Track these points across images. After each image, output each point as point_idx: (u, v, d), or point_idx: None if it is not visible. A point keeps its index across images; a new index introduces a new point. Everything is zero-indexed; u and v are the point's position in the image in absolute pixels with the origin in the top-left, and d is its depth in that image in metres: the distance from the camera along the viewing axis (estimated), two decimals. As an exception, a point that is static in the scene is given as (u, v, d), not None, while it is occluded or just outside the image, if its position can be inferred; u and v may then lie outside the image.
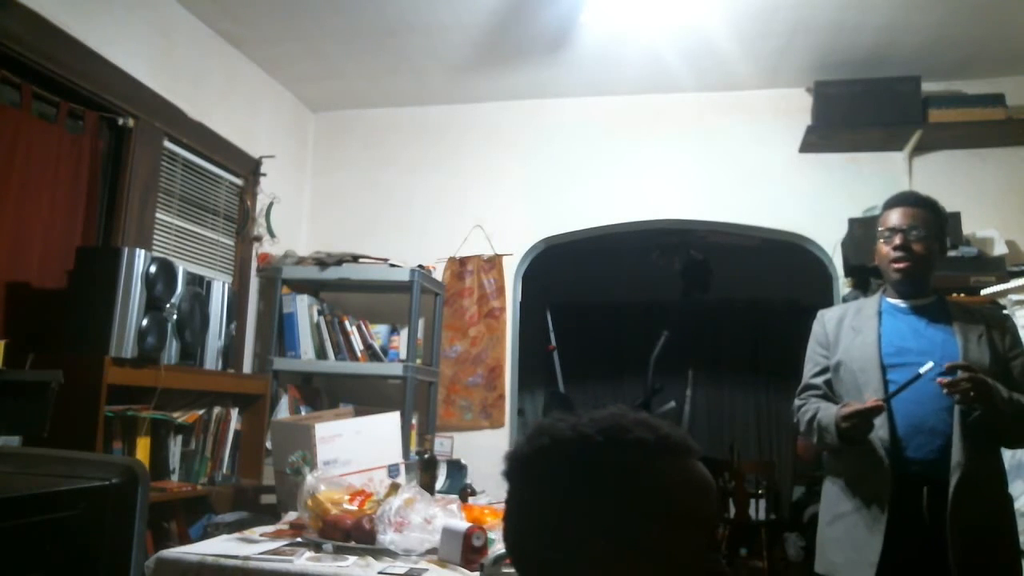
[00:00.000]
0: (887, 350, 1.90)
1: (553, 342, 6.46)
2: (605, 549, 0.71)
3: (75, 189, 2.55)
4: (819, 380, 2.04)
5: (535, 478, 0.78)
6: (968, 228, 3.17)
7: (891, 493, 1.78)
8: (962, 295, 2.86)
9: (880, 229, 1.98)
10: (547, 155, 3.84)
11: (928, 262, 1.95)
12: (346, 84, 3.79)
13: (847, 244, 3.30)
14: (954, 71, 3.38)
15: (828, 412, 1.89)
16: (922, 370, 1.74)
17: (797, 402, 2.06)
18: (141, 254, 2.36)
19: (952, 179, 3.40)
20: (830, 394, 2.01)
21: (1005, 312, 2.01)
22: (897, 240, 1.92)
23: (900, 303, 1.98)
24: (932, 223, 1.95)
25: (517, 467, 0.80)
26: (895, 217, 1.95)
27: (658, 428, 0.77)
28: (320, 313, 3.47)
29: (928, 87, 3.37)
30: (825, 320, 2.10)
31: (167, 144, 2.99)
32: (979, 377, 1.71)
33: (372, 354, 3.43)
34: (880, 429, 1.81)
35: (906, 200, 1.99)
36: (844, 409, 1.82)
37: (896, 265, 1.93)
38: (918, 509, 1.78)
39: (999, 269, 2.96)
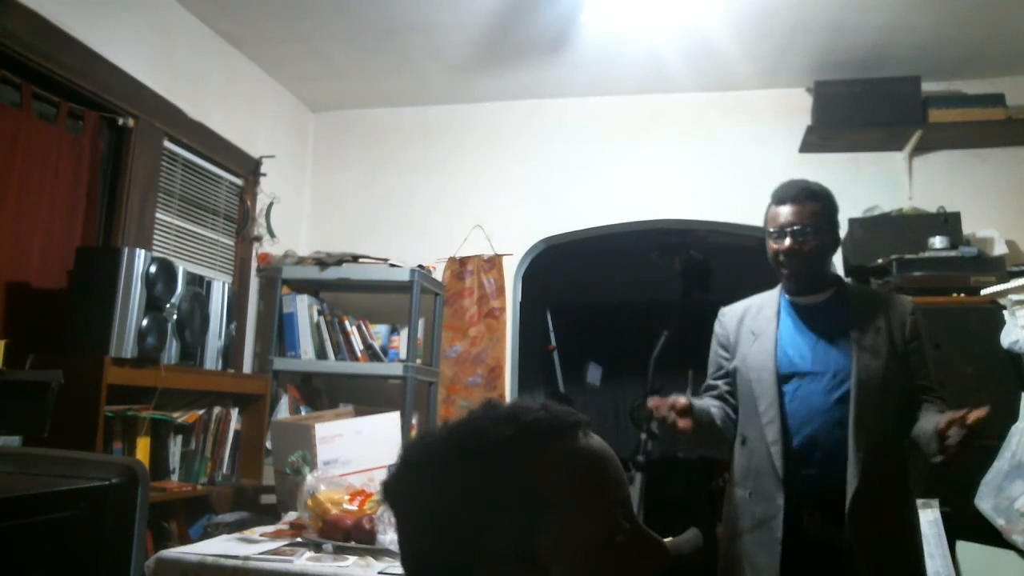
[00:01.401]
0: (783, 360, 1.85)
1: (553, 342, 6.46)
2: (478, 551, 0.69)
3: (75, 189, 2.55)
4: (719, 381, 2.01)
5: (411, 500, 0.76)
6: (968, 228, 3.17)
7: (785, 513, 1.73)
8: (962, 295, 2.86)
9: (769, 229, 1.90)
10: (547, 155, 3.84)
11: (820, 258, 1.89)
12: (346, 84, 3.79)
13: (847, 244, 3.30)
14: (954, 71, 3.38)
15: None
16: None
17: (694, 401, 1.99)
18: (141, 254, 2.36)
19: (952, 179, 3.40)
20: (728, 395, 1.98)
21: (909, 299, 1.93)
22: (787, 242, 1.85)
23: (797, 300, 1.93)
24: (822, 215, 1.87)
25: (389, 491, 0.79)
26: (783, 214, 1.86)
27: (520, 418, 0.73)
28: (320, 313, 3.47)
29: (928, 87, 3.37)
30: (725, 320, 2.05)
31: (167, 144, 2.99)
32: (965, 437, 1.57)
33: (372, 354, 3.43)
34: (773, 445, 1.77)
35: (794, 195, 1.88)
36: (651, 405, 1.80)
37: (785, 269, 1.88)
38: (815, 529, 1.72)
39: (999, 269, 2.96)
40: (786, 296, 1.95)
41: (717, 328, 2.06)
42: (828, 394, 1.78)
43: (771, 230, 1.90)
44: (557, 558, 0.69)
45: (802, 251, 1.84)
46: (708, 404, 1.95)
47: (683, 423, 1.76)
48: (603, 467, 0.74)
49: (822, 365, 1.80)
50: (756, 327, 1.94)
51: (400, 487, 0.78)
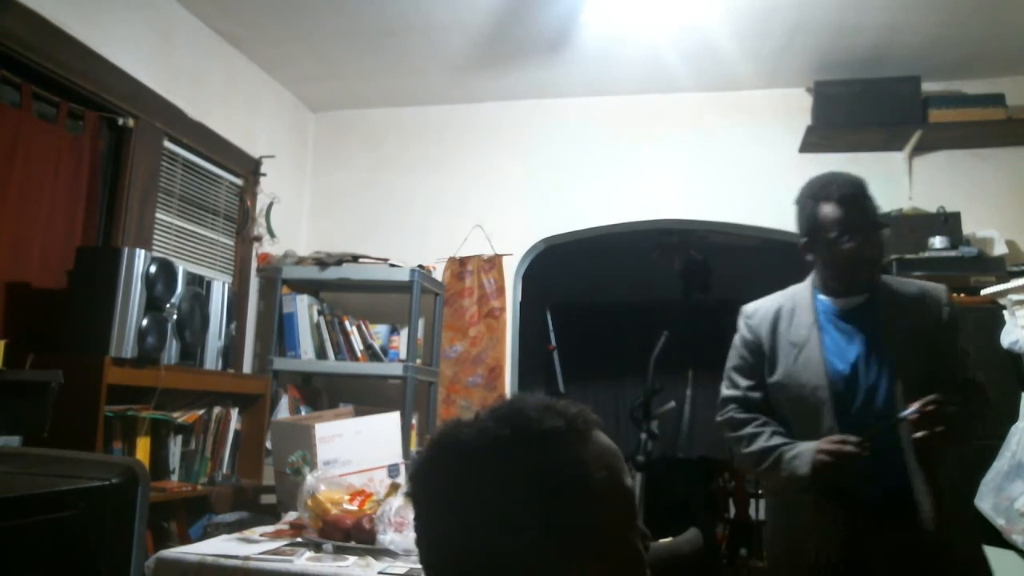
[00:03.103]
0: (833, 370, 1.73)
1: (553, 342, 6.46)
2: (533, 540, 0.70)
3: (75, 189, 2.55)
4: (756, 395, 1.83)
5: (455, 488, 0.75)
6: (968, 228, 3.17)
7: (847, 523, 1.65)
8: (962, 295, 2.86)
9: (823, 224, 1.75)
10: (547, 155, 3.84)
11: (877, 262, 1.79)
12: (346, 84, 3.79)
13: (847, 244, 3.30)
14: (954, 71, 3.38)
15: (802, 447, 1.68)
16: (905, 413, 1.60)
17: (732, 412, 1.85)
18: (141, 254, 2.36)
19: (952, 179, 3.40)
20: (764, 407, 1.83)
21: (943, 287, 1.82)
22: (859, 244, 1.70)
23: (833, 304, 1.79)
24: (873, 209, 1.77)
25: (424, 482, 0.78)
26: (849, 214, 1.73)
27: (565, 411, 0.76)
28: (320, 313, 3.47)
29: (928, 87, 3.37)
30: (754, 324, 1.87)
31: (167, 144, 2.99)
32: (939, 411, 1.55)
33: (372, 354, 3.43)
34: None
35: (854, 194, 1.76)
36: (827, 446, 1.62)
37: (854, 272, 1.74)
38: (873, 551, 1.64)
39: (999, 269, 2.96)
40: (820, 298, 1.81)
41: (744, 332, 1.88)
42: (875, 401, 1.70)
43: (828, 228, 1.74)
44: (605, 542, 0.73)
45: (876, 252, 1.75)
46: (771, 433, 1.79)
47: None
48: (621, 459, 0.78)
49: (867, 372, 1.71)
50: (795, 337, 1.78)
51: (437, 475, 0.77)
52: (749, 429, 1.80)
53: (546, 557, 0.70)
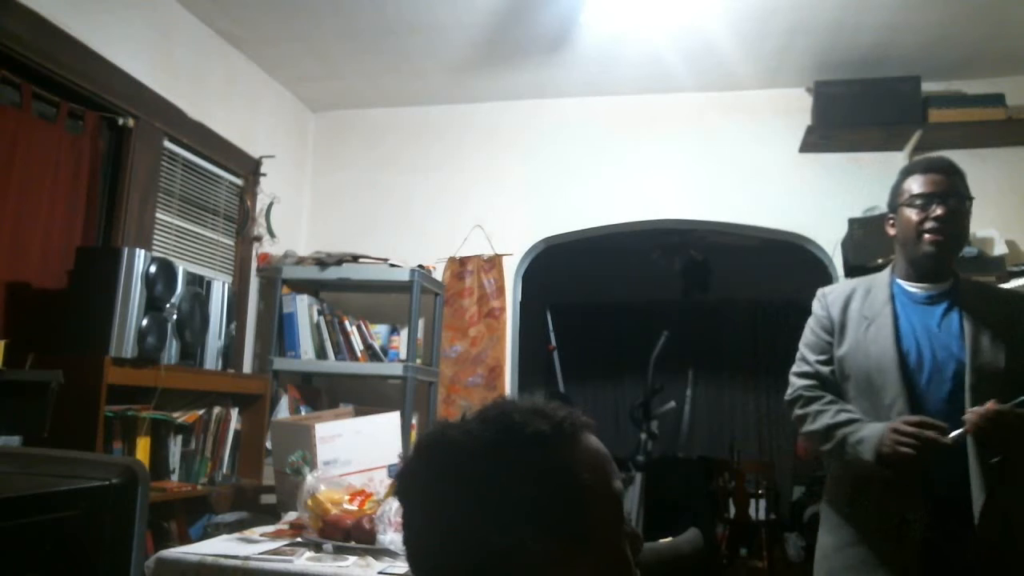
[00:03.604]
0: (907, 348, 1.69)
1: (553, 342, 6.46)
2: (518, 542, 0.70)
3: (75, 189, 2.55)
4: (826, 370, 1.80)
5: (440, 489, 0.75)
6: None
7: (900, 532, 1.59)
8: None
9: (909, 195, 1.74)
10: (547, 155, 3.84)
11: (964, 237, 1.75)
12: (346, 84, 3.79)
13: (847, 244, 3.30)
14: (954, 71, 3.38)
15: (867, 431, 1.64)
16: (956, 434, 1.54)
17: (802, 390, 1.81)
18: (141, 254, 2.36)
19: (952, 179, 3.40)
20: (830, 381, 1.80)
21: None
22: (940, 210, 1.68)
23: (915, 289, 1.76)
24: (967, 191, 1.74)
25: (411, 483, 0.78)
26: (933, 182, 1.71)
27: (552, 414, 0.76)
28: (320, 313, 3.47)
29: (928, 87, 3.36)
30: (829, 301, 1.85)
31: (167, 144, 2.99)
32: (994, 423, 1.50)
33: (372, 354, 3.43)
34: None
35: (943, 167, 1.74)
36: (901, 427, 1.56)
37: (932, 237, 1.69)
38: (938, 530, 1.60)
39: (999, 269, 2.96)
40: (899, 283, 1.79)
41: (817, 309, 1.86)
42: (943, 389, 1.65)
43: (915, 197, 1.73)
44: (592, 545, 0.73)
45: (955, 220, 1.69)
46: (838, 410, 1.75)
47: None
48: (610, 462, 0.79)
49: (937, 358, 1.66)
50: (868, 311, 1.75)
51: (422, 479, 0.77)
52: (816, 406, 1.76)
53: (531, 557, 0.70)
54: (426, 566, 0.76)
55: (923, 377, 1.67)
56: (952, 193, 1.71)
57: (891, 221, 1.84)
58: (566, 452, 0.75)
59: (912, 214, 1.73)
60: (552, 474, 0.73)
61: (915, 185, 1.75)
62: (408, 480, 0.79)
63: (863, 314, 1.77)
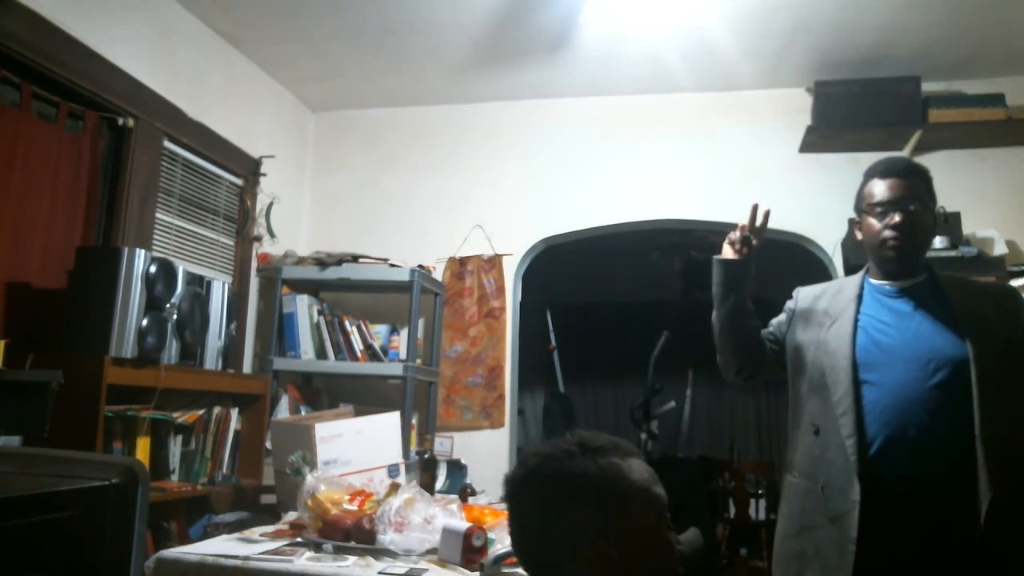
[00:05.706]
0: (863, 346, 1.69)
1: (553, 342, 6.46)
2: (596, 535, 1.00)
3: (75, 189, 2.55)
4: (767, 331, 1.95)
5: (533, 491, 1.06)
6: (968, 228, 3.17)
7: (862, 510, 1.56)
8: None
9: (868, 204, 1.76)
10: (547, 155, 3.84)
11: (928, 238, 1.77)
12: (346, 84, 3.79)
13: (847, 244, 3.30)
14: (954, 71, 3.38)
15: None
16: None
17: None
18: (141, 254, 2.36)
19: (952, 179, 3.39)
20: (771, 343, 1.92)
21: (1011, 285, 1.82)
22: (897, 218, 1.70)
23: (886, 284, 1.77)
24: (925, 193, 1.75)
25: (515, 486, 1.08)
26: (891, 188, 1.73)
27: (617, 442, 1.08)
28: (320, 313, 3.47)
29: (928, 87, 3.37)
30: (799, 297, 1.92)
31: (167, 144, 2.99)
32: None
33: (372, 354, 3.43)
34: (848, 438, 1.61)
35: (900, 170, 1.76)
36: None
37: (893, 243, 1.71)
38: (894, 533, 1.56)
39: (999, 269, 2.96)
40: (871, 281, 1.80)
41: (788, 303, 1.95)
42: (922, 381, 1.61)
43: (874, 206, 1.75)
44: (639, 533, 1.05)
45: (915, 226, 1.70)
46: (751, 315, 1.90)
47: (739, 249, 1.91)
48: (656, 478, 1.11)
49: (914, 349, 1.64)
50: (833, 308, 1.79)
51: (534, 495, 1.07)
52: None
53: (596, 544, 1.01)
54: (528, 551, 1.07)
55: (895, 369, 1.64)
56: (912, 197, 1.72)
57: (858, 225, 1.86)
58: (630, 474, 1.06)
59: (873, 222, 1.76)
60: (624, 492, 1.04)
61: (875, 191, 1.77)
62: (517, 493, 1.09)
63: (826, 311, 1.81)
